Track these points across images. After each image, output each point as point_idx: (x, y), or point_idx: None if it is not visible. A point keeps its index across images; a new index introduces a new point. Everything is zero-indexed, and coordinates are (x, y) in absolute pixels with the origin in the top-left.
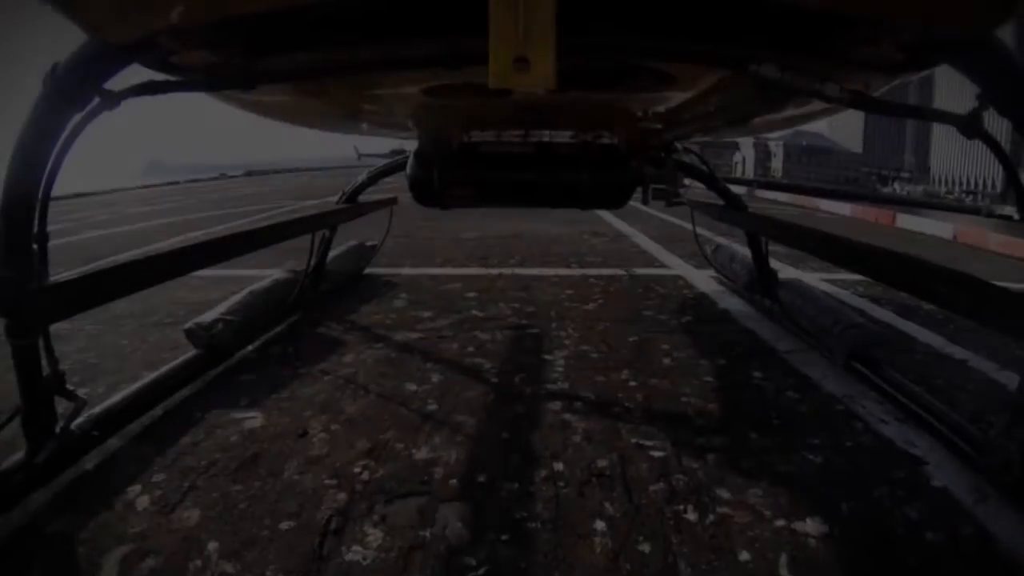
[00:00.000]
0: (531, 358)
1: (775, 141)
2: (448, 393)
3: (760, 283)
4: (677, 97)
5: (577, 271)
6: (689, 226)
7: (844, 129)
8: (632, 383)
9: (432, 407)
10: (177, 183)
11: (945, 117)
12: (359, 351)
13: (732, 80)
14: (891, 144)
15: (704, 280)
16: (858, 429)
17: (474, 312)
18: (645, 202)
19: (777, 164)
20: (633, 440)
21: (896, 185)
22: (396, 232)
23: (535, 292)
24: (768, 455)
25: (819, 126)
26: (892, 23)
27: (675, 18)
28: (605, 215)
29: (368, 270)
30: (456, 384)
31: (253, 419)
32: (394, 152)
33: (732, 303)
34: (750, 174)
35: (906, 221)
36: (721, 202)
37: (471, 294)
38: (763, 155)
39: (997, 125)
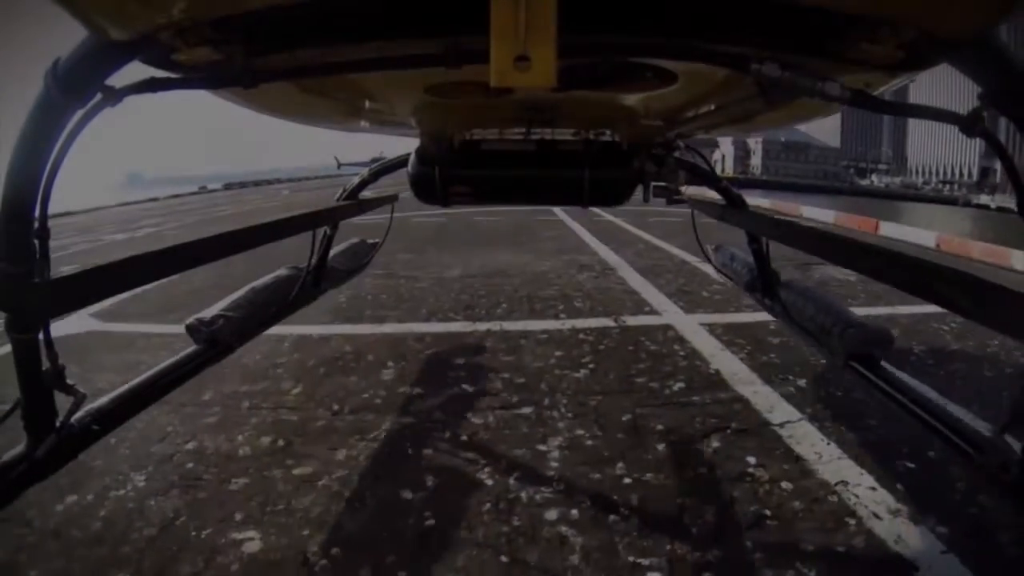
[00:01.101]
0: (525, 450)
1: (754, 138)
2: (444, 502)
3: (761, 283)
4: (679, 95)
5: (566, 324)
6: (675, 251)
7: (821, 124)
8: (627, 480)
9: (430, 522)
10: (156, 199)
11: (947, 116)
12: (350, 445)
13: (734, 78)
14: (868, 137)
15: (693, 330)
16: (851, 528)
17: (464, 387)
18: (646, 200)
19: (756, 161)
20: (631, 558)
21: (874, 177)
22: (377, 270)
23: (524, 356)
24: (762, 571)
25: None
26: (893, 21)
27: (676, 16)
28: (590, 242)
29: (354, 328)
30: (452, 490)
31: None
32: (373, 160)
33: (723, 360)
34: (730, 171)
35: (889, 229)
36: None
37: (460, 360)
38: (743, 152)
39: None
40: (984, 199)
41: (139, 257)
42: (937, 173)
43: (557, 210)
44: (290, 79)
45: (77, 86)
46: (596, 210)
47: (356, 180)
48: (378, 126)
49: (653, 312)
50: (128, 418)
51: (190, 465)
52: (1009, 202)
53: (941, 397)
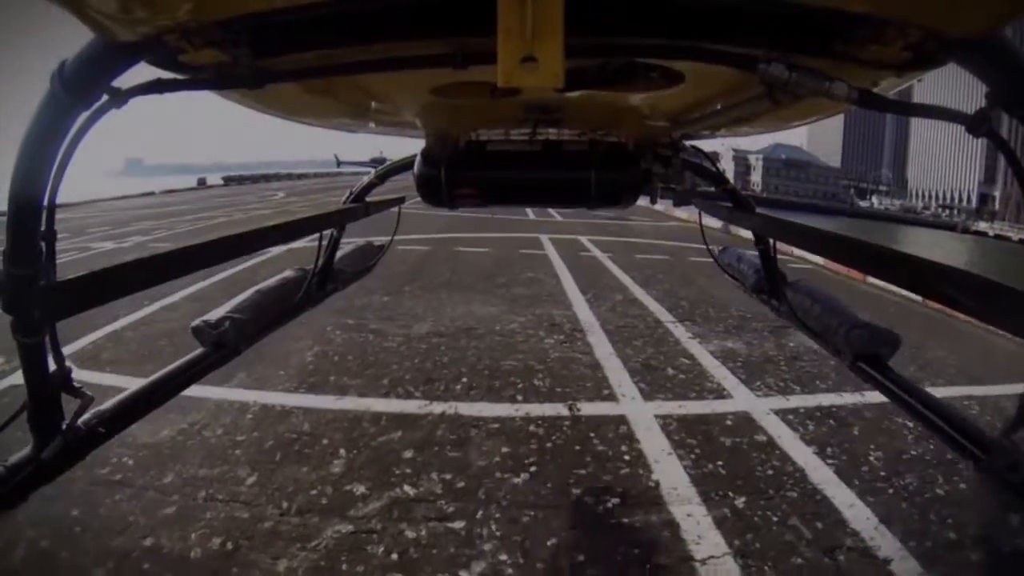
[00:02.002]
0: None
1: (754, 155)
2: None
3: (768, 284)
4: (685, 96)
5: (521, 410)
6: (652, 305)
7: (823, 143)
8: None
9: None
10: (152, 194)
11: (953, 116)
12: (291, 555)
13: (741, 79)
14: (869, 158)
15: (646, 424)
16: None
17: (406, 489)
18: (653, 201)
19: (757, 178)
20: None
21: (874, 199)
22: (350, 318)
23: (471, 452)
24: None
25: (798, 139)
26: (900, 22)
27: (683, 17)
28: (568, 288)
29: (316, 400)
30: None
31: None
32: (374, 160)
33: (666, 469)
34: None
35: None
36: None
37: (408, 454)
38: (743, 168)
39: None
40: (983, 226)
41: (145, 260)
42: (937, 198)
43: (545, 241)
44: (296, 80)
45: (83, 88)
46: (584, 243)
47: (363, 182)
48: (384, 127)
49: (611, 398)
50: (134, 421)
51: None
52: (1008, 230)
53: (947, 399)
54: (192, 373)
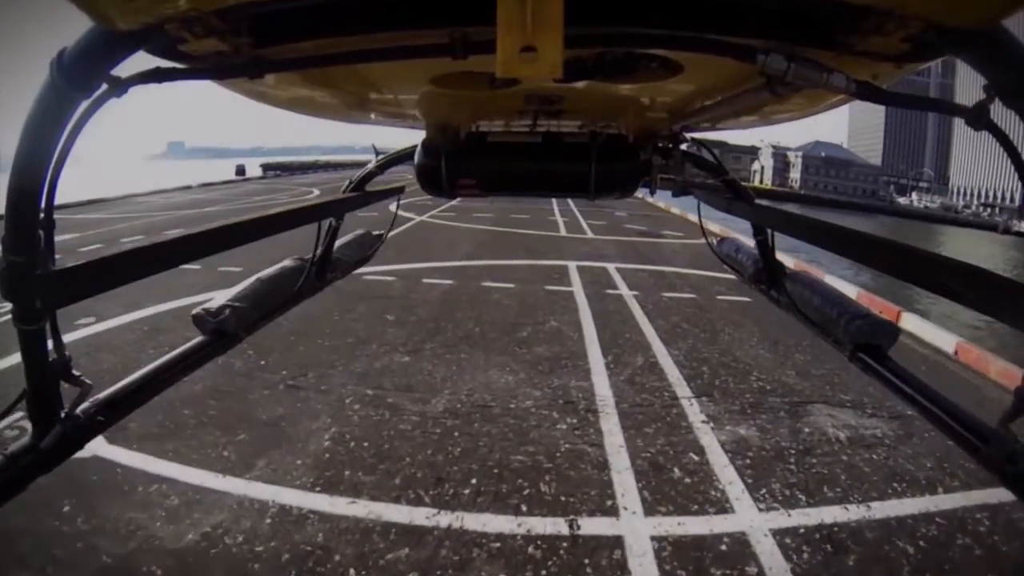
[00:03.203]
0: None
1: (794, 152)
2: None
3: (767, 275)
4: (685, 87)
5: (523, 524)
6: (673, 374)
7: (863, 140)
8: None
9: None
10: (189, 187)
11: (951, 109)
12: None
13: (741, 70)
14: (911, 156)
15: (642, 549)
16: None
17: None
18: (652, 192)
19: (795, 175)
20: None
21: (914, 195)
22: (368, 386)
23: None
24: None
25: (839, 136)
26: (901, 13)
27: (683, 8)
28: (591, 348)
29: (330, 504)
30: None
31: None
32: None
33: None
34: (768, 183)
35: (911, 322)
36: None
37: None
38: (782, 165)
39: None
40: None
41: (145, 248)
42: (979, 196)
43: (573, 271)
44: (297, 70)
45: (83, 76)
46: (612, 275)
47: (363, 172)
48: (384, 118)
49: (612, 511)
50: (134, 409)
51: None
52: None
53: (946, 390)
54: (191, 361)
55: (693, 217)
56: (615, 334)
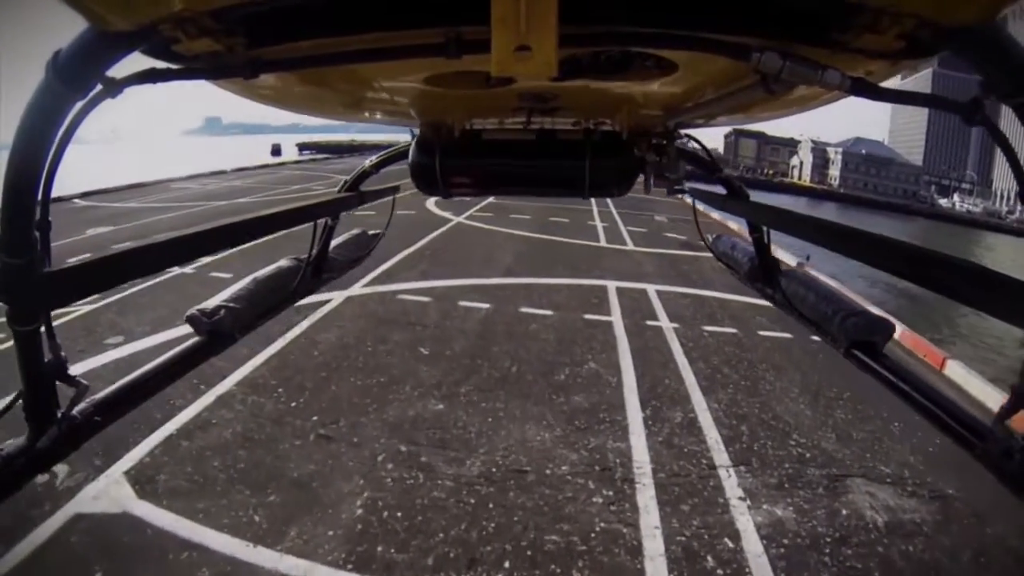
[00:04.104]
0: None
1: (834, 148)
2: None
3: (762, 272)
4: (679, 84)
5: None
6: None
7: (904, 137)
8: None
9: None
10: (224, 172)
11: (946, 105)
12: None
13: (735, 67)
14: (953, 156)
15: None
16: None
17: None
18: (647, 190)
19: (835, 172)
20: None
21: (956, 197)
22: (401, 443)
23: None
24: None
25: (880, 132)
26: (895, 10)
27: (677, 6)
28: (629, 403)
29: None
30: None
31: None
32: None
33: None
34: (807, 179)
35: (955, 370)
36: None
37: None
38: (821, 161)
39: None
40: None
41: (141, 248)
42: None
43: (612, 293)
44: (291, 69)
45: (78, 77)
46: (652, 300)
47: (358, 171)
48: (378, 116)
49: None
50: (130, 410)
51: None
52: None
53: (942, 386)
54: (188, 362)
55: (734, 224)
56: (654, 381)
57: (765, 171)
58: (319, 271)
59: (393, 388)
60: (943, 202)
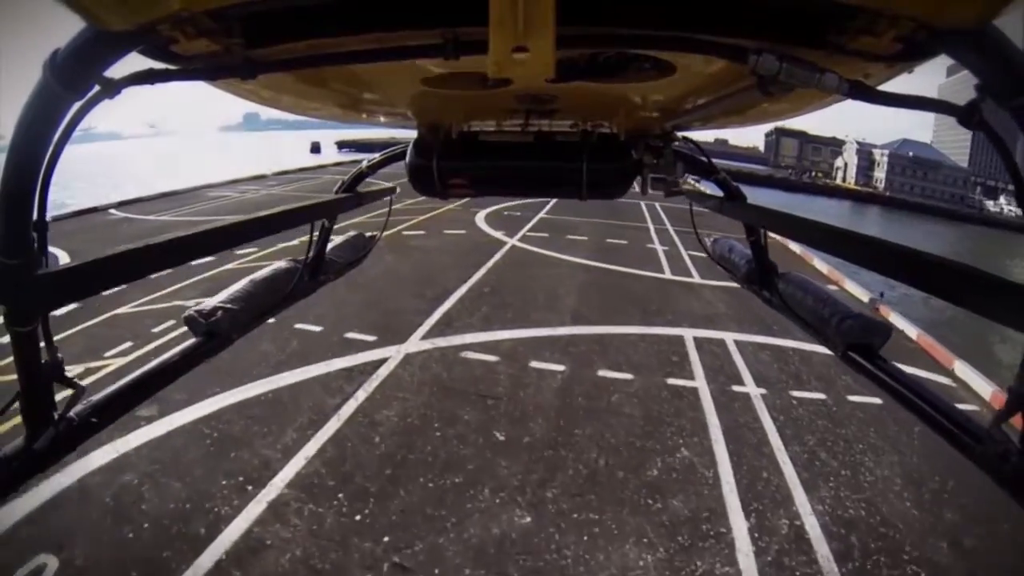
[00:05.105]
0: None
1: (880, 150)
2: None
3: (759, 275)
4: (676, 87)
5: None
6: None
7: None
8: None
9: None
10: (264, 177)
11: (943, 108)
12: None
13: (732, 70)
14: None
15: None
16: None
17: None
18: (643, 192)
19: (880, 175)
20: None
21: (1003, 199)
22: None
23: None
24: None
25: (924, 132)
26: (892, 12)
27: (674, 8)
28: (734, 521)
29: None
30: None
31: None
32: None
33: None
34: (852, 182)
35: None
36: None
37: None
38: (866, 163)
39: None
40: None
41: (138, 249)
42: None
43: (690, 346)
44: (289, 70)
45: (75, 78)
46: (733, 355)
47: (354, 172)
48: (376, 118)
49: None
50: (127, 411)
51: None
52: None
53: (939, 388)
54: (184, 363)
55: (824, 269)
56: (753, 474)
57: (812, 173)
58: (316, 273)
59: (471, 493)
60: (991, 205)
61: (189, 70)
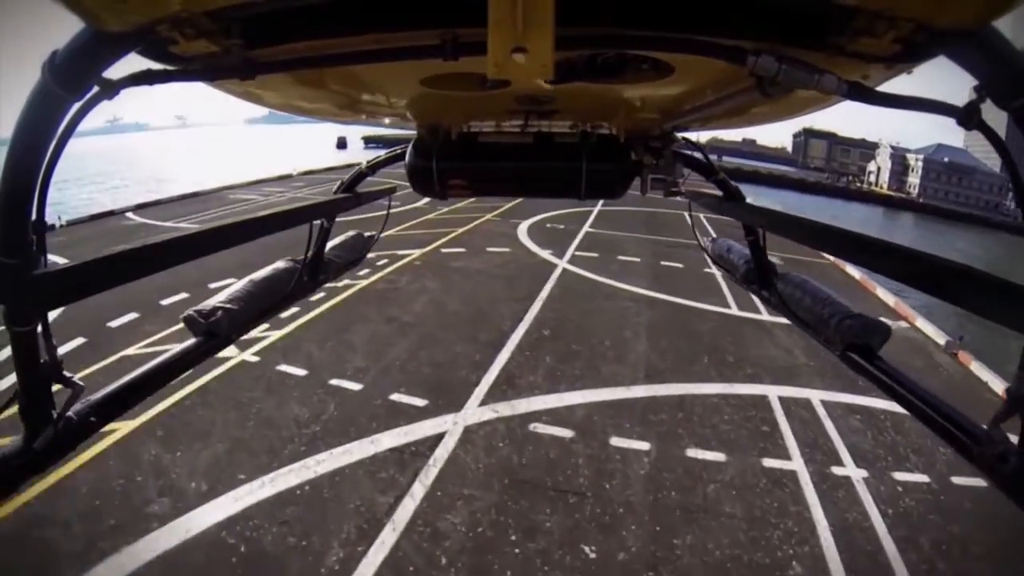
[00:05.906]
0: None
1: (914, 155)
2: None
3: (758, 275)
4: (676, 88)
5: None
6: None
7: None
8: None
9: None
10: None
11: (943, 109)
12: None
13: (731, 71)
14: None
15: None
16: None
17: None
18: (643, 192)
19: (914, 180)
20: None
21: None
22: None
23: None
24: None
25: (955, 136)
26: (891, 14)
27: (673, 9)
28: None
29: None
30: None
31: None
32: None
33: None
34: (884, 186)
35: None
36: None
37: None
38: (900, 168)
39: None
40: None
41: (136, 249)
42: None
43: (786, 432)
44: (288, 71)
45: (74, 79)
46: (832, 439)
47: (354, 173)
48: (375, 119)
49: None
50: (126, 410)
51: None
52: None
53: (938, 389)
54: (183, 362)
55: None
56: None
57: (849, 178)
58: (315, 273)
59: None
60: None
61: (188, 71)
